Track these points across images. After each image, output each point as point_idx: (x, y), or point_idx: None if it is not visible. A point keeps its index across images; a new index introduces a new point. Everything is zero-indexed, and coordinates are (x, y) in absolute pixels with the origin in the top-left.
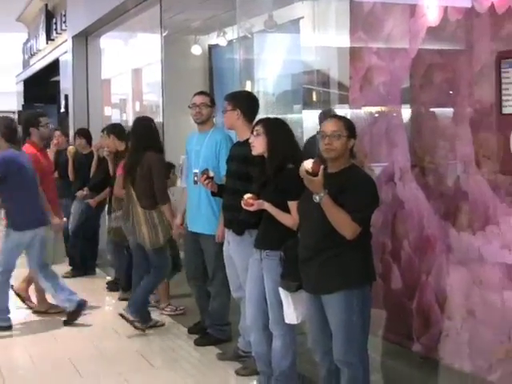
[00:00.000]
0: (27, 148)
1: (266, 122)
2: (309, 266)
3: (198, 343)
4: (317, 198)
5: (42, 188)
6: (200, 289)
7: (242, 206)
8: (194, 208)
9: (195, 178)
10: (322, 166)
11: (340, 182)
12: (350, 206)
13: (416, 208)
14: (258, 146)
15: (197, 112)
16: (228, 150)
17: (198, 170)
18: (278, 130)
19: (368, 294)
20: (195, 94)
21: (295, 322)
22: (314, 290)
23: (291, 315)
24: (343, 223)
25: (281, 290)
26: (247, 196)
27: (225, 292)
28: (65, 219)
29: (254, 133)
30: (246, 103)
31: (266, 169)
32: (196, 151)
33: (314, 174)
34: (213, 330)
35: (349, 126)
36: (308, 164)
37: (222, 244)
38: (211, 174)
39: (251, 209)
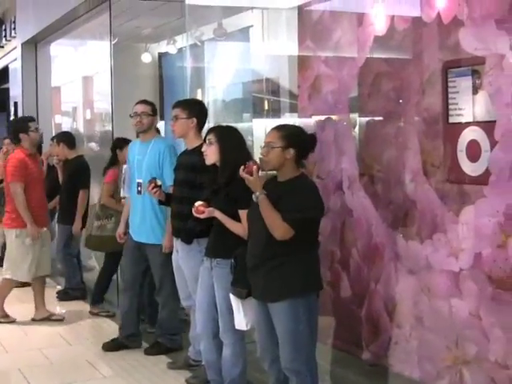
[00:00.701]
0: (17, 153)
1: (218, 130)
2: (256, 274)
3: (148, 353)
4: (254, 198)
5: (28, 194)
6: (132, 300)
7: (193, 213)
8: (138, 218)
9: (139, 188)
10: (254, 166)
11: (280, 191)
12: (283, 208)
13: (364, 216)
14: (211, 154)
15: (137, 121)
16: (172, 159)
17: (141, 180)
18: (230, 139)
19: (314, 302)
20: (137, 103)
21: (245, 329)
22: (261, 298)
23: (241, 321)
24: (273, 223)
25: (231, 297)
26: (198, 203)
27: (173, 301)
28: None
29: (207, 142)
30: (201, 113)
31: (217, 177)
32: (138, 160)
33: (250, 174)
34: (163, 339)
35: (287, 136)
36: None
37: (168, 253)
38: (159, 182)
39: (202, 216)
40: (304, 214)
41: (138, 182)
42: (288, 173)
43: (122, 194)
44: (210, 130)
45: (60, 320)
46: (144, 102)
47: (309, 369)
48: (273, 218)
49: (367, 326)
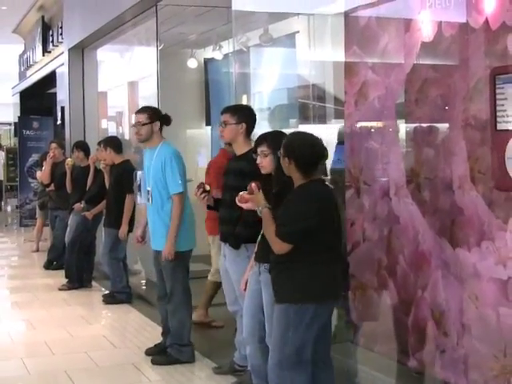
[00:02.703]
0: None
1: (270, 140)
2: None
3: (154, 362)
4: (258, 211)
5: None
6: (164, 308)
7: (237, 202)
8: (151, 226)
9: (148, 196)
10: (253, 184)
11: (286, 200)
12: (277, 221)
13: (411, 223)
14: (267, 166)
15: (135, 132)
16: (175, 165)
17: (150, 188)
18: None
19: (313, 312)
20: (135, 113)
21: None
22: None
23: None
24: (270, 238)
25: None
26: (243, 192)
27: (184, 310)
28: None
29: (260, 153)
30: (251, 118)
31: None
32: (147, 167)
33: (251, 193)
34: (171, 349)
35: (284, 145)
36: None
37: (179, 261)
38: (207, 187)
39: (245, 206)
40: (293, 227)
41: (148, 190)
42: (296, 180)
43: (138, 202)
44: (262, 140)
45: (220, 327)
46: (140, 110)
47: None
48: (270, 234)
49: (414, 333)
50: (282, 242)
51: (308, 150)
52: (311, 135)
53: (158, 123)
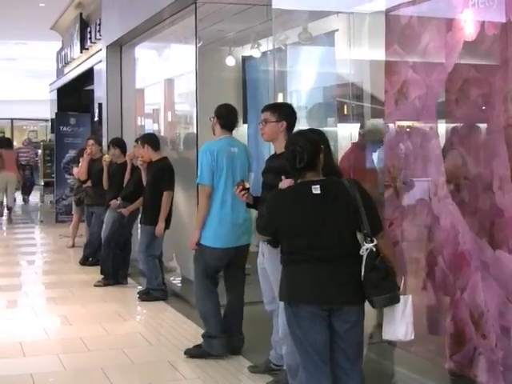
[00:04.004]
0: None
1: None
2: None
3: (187, 352)
4: None
5: None
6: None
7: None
8: None
9: None
10: (287, 180)
11: None
12: None
13: (451, 224)
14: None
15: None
16: (200, 159)
17: None
18: (324, 145)
19: (290, 314)
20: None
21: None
22: None
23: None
24: None
25: None
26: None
27: (201, 302)
28: None
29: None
30: (291, 116)
31: None
32: None
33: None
34: (203, 341)
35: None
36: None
37: (200, 251)
38: (247, 185)
39: None
40: (263, 221)
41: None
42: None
43: None
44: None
45: None
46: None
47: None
48: None
49: (451, 335)
50: (259, 234)
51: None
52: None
53: (216, 121)
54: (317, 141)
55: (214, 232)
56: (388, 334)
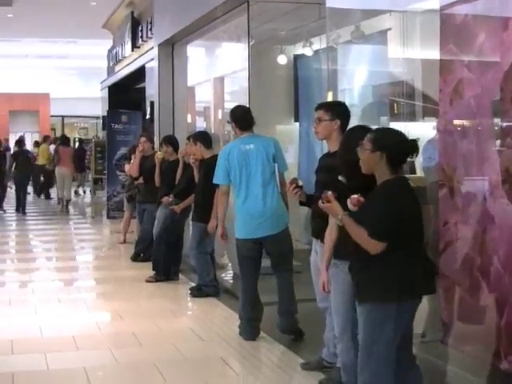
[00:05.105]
0: None
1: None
2: (352, 273)
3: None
4: (338, 221)
5: None
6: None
7: (350, 206)
8: None
9: None
10: (329, 193)
11: (372, 196)
12: (365, 221)
13: (507, 224)
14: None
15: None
16: (219, 162)
17: None
18: None
19: (390, 312)
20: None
21: None
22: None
23: None
24: (362, 240)
25: None
26: (356, 196)
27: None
28: None
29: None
30: (345, 115)
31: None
32: None
33: (328, 202)
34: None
35: (374, 139)
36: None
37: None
38: (300, 183)
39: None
40: (386, 223)
41: None
42: (380, 177)
43: None
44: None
45: None
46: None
47: (374, 374)
48: (360, 237)
49: (507, 335)
50: (378, 242)
51: (401, 146)
52: (400, 131)
53: (234, 124)
54: None
55: (236, 224)
56: None
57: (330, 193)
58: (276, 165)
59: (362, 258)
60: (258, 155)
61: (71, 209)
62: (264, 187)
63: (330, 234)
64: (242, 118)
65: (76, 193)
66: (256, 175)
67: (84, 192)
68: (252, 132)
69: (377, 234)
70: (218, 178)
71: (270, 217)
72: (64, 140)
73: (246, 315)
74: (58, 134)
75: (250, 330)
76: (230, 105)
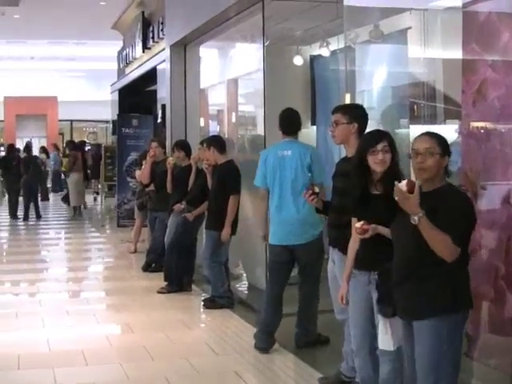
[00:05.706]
0: None
1: (390, 137)
2: (402, 289)
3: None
4: (415, 219)
5: None
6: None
7: (357, 234)
8: None
9: None
10: (417, 184)
11: (432, 203)
12: (445, 227)
13: None
14: (386, 163)
15: None
16: (259, 165)
17: None
18: (392, 147)
19: (461, 323)
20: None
21: (391, 349)
22: (405, 315)
23: (387, 341)
24: (443, 245)
25: (378, 316)
26: (359, 224)
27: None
28: None
29: (383, 150)
30: (363, 118)
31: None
32: None
33: (410, 192)
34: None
35: (442, 142)
36: (403, 185)
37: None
38: (316, 189)
39: (367, 235)
40: (465, 231)
41: None
42: (437, 182)
43: None
44: (381, 137)
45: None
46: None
47: None
48: (441, 241)
49: None
50: (458, 249)
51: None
52: None
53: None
54: None
55: (269, 229)
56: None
57: (417, 184)
58: (310, 175)
59: (416, 268)
60: (293, 162)
61: (84, 215)
62: (295, 195)
63: (353, 245)
64: (283, 122)
65: (95, 199)
66: (288, 182)
67: (95, 199)
68: (295, 137)
69: (459, 239)
70: (257, 180)
71: (301, 225)
72: (80, 146)
73: (265, 320)
74: (67, 138)
75: (266, 338)
76: (243, 108)
